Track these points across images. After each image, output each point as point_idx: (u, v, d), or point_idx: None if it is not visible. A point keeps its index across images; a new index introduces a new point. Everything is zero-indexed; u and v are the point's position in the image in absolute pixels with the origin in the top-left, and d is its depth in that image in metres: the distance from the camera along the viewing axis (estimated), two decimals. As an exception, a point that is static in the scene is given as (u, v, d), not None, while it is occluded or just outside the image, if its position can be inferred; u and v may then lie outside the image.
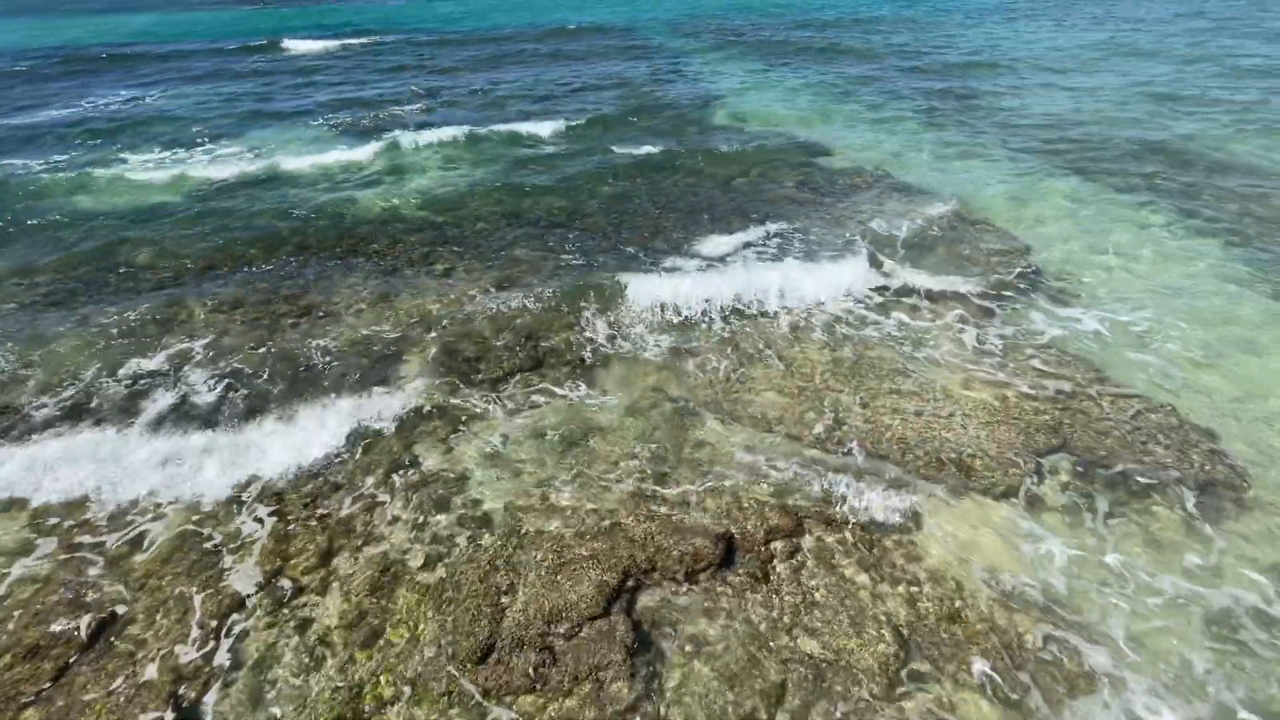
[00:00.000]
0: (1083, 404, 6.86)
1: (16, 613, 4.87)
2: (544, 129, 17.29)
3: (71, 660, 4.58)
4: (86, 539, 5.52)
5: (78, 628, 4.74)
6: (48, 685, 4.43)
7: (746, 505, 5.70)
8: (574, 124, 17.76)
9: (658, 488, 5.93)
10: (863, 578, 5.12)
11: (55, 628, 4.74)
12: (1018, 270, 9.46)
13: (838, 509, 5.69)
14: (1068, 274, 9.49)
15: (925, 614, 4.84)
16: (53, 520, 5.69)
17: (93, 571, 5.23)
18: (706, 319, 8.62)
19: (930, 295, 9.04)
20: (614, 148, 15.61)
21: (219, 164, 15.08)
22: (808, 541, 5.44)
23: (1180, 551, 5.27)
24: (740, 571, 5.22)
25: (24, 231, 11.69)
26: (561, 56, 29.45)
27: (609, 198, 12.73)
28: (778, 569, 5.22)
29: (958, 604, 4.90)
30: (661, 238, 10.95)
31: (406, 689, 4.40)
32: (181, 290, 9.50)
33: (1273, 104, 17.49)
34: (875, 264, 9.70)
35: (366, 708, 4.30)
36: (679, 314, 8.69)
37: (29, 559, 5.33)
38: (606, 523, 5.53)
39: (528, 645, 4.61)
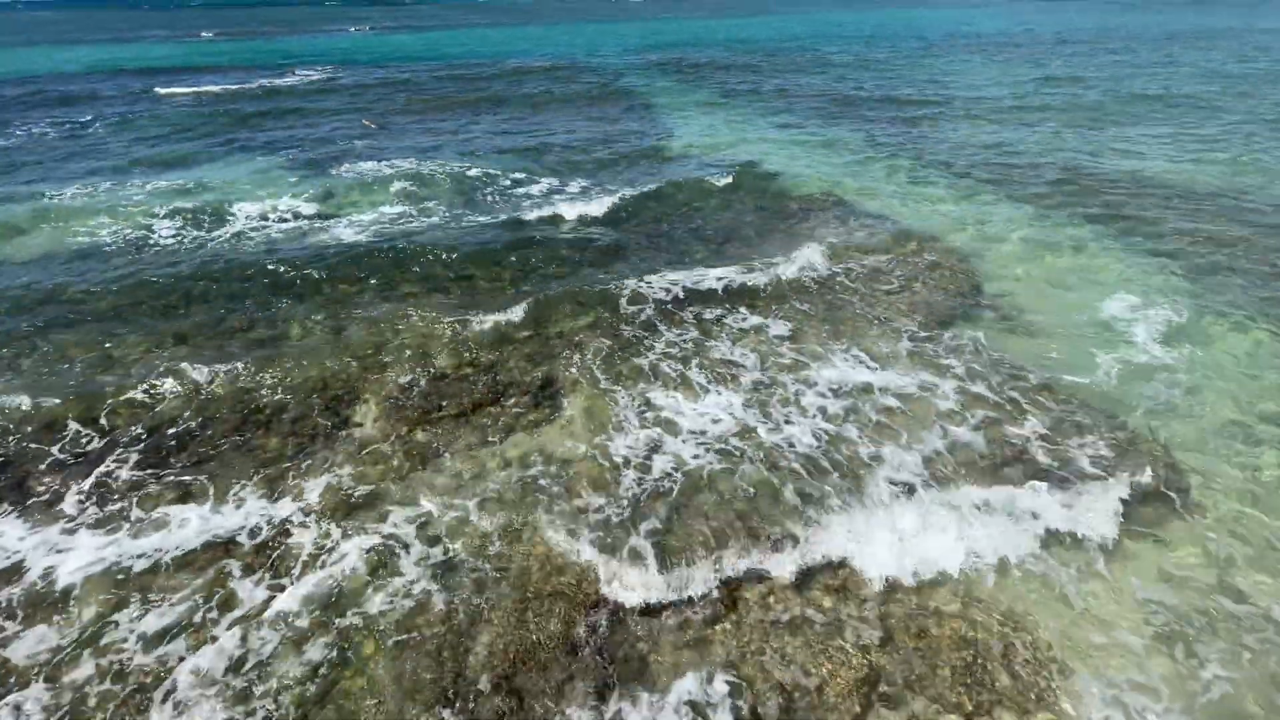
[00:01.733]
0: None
1: None
2: (501, 163, 17.36)
3: None
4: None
5: None
6: None
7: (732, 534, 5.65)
8: (530, 158, 17.92)
9: (627, 507, 5.82)
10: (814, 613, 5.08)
11: None
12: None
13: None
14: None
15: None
16: None
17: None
18: (671, 351, 8.65)
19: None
20: (569, 179, 15.76)
21: (163, 197, 14.60)
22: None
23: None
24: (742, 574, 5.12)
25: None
26: (521, 91, 29.82)
27: (569, 235, 12.79)
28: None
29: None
30: (616, 263, 11.02)
31: (363, 743, 4.14)
32: (120, 326, 9.07)
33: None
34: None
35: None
36: (631, 346, 8.70)
37: None
38: (575, 557, 5.39)
39: (494, 689, 4.41)
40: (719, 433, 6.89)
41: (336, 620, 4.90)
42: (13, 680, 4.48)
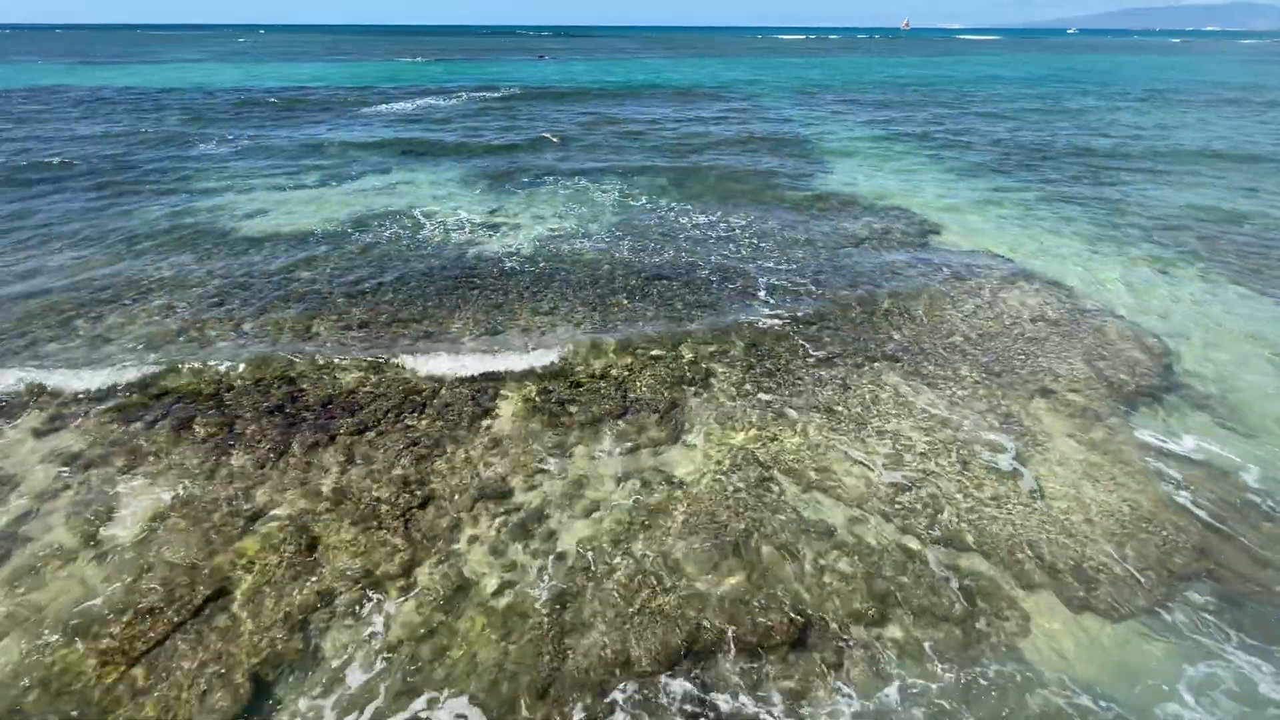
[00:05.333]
0: (1234, 526, 6.00)
1: (143, 575, 5.38)
2: (660, 182, 18.03)
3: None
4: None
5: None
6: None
7: (829, 579, 5.39)
8: (686, 182, 18.42)
9: (733, 552, 5.73)
10: (951, 676, 4.64)
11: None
12: (1157, 373, 8.61)
13: (929, 598, 5.24)
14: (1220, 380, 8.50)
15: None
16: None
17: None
18: (806, 381, 8.43)
19: (1047, 388, 8.38)
20: (732, 218, 15.96)
21: (362, 196, 16.88)
22: (892, 631, 5.03)
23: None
24: (814, 656, 4.89)
25: (208, 240, 13.52)
26: (686, 117, 30.86)
27: (719, 258, 12.96)
28: (855, 658, 4.85)
29: (1066, 735, 4.30)
30: (756, 300, 10.96)
31: (462, 705, 4.42)
32: (316, 308, 10.56)
33: None
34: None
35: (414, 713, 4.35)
36: (770, 375, 8.57)
37: (161, 528, 5.93)
38: (681, 580, 5.40)
39: (586, 690, 4.52)
40: (844, 491, 6.59)
41: (456, 592, 5.29)
42: (203, 587, 5.30)
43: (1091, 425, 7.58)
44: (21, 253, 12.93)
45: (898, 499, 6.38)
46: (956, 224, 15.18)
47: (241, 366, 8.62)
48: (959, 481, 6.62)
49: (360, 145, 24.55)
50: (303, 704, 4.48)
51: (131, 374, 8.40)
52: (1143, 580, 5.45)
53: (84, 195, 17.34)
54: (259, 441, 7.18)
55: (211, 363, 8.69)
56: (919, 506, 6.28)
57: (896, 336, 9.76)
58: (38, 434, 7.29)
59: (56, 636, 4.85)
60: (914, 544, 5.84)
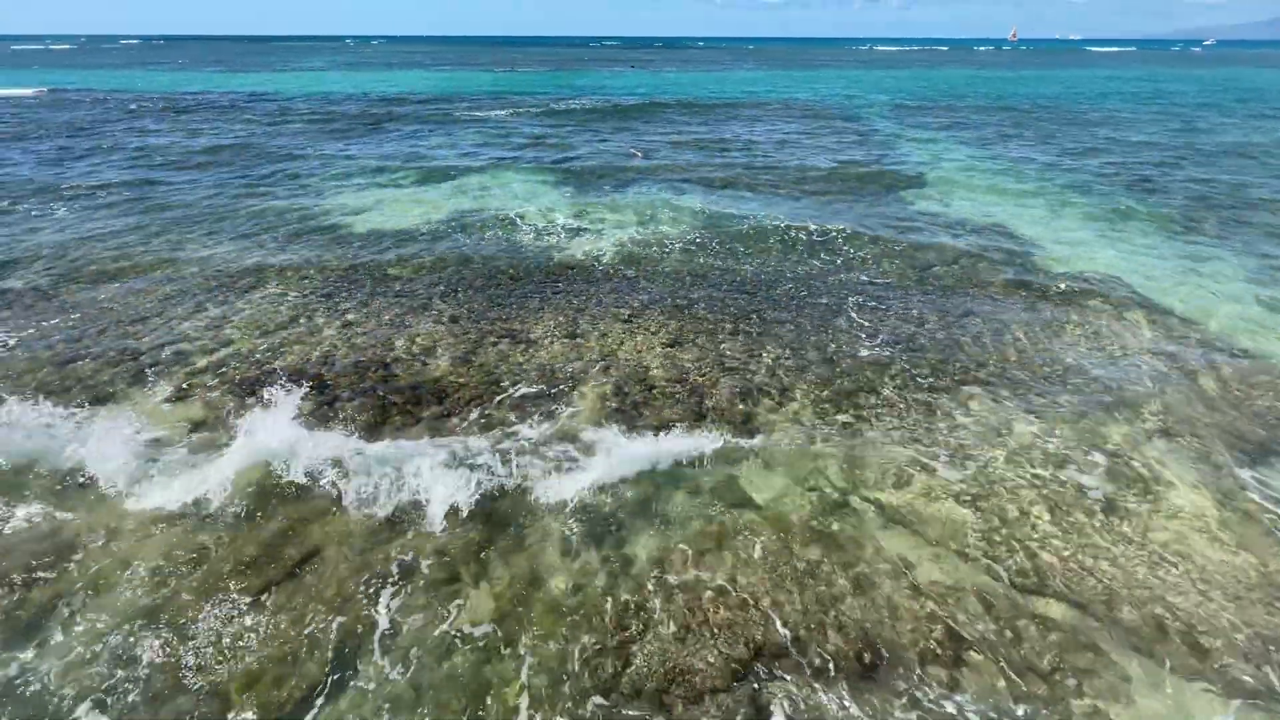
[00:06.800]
0: (1387, 607, 5.26)
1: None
2: (744, 196, 17.90)
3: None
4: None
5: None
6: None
7: (904, 615, 5.16)
8: (774, 193, 18.18)
9: (805, 577, 5.59)
10: (1037, 742, 4.31)
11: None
12: (1298, 420, 7.70)
13: (1013, 646, 4.91)
14: (1376, 437, 7.49)
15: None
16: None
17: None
18: (890, 404, 8.12)
19: (1167, 429, 7.66)
20: (811, 223, 15.66)
21: (458, 198, 17.75)
22: (969, 676, 4.74)
23: None
24: (883, 689, 4.68)
25: (321, 234, 14.64)
26: (778, 131, 30.52)
27: (804, 274, 12.73)
28: (928, 697, 4.60)
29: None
30: (841, 317, 10.66)
31: (524, 702, 4.53)
32: (412, 300, 11.19)
33: None
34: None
35: (487, 705, 4.50)
36: (850, 395, 8.30)
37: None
38: (747, 598, 5.33)
39: (645, 699, 4.53)
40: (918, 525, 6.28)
41: (527, 586, 5.45)
42: (298, 555, 5.73)
43: (1213, 475, 6.87)
44: (164, 237, 14.49)
45: (983, 536, 6.02)
46: (1063, 242, 14.19)
47: (341, 351, 9.26)
48: (1054, 524, 6.16)
49: (457, 150, 25.82)
50: (372, 675, 4.73)
51: (245, 349, 9.23)
52: (1274, 656, 4.87)
53: (218, 188, 19.19)
54: (352, 421, 7.68)
55: (316, 347, 9.39)
56: (1007, 546, 5.89)
57: (992, 362, 9.23)
58: (170, 400, 8.13)
59: (173, 586, 5.34)
60: (998, 586, 5.48)
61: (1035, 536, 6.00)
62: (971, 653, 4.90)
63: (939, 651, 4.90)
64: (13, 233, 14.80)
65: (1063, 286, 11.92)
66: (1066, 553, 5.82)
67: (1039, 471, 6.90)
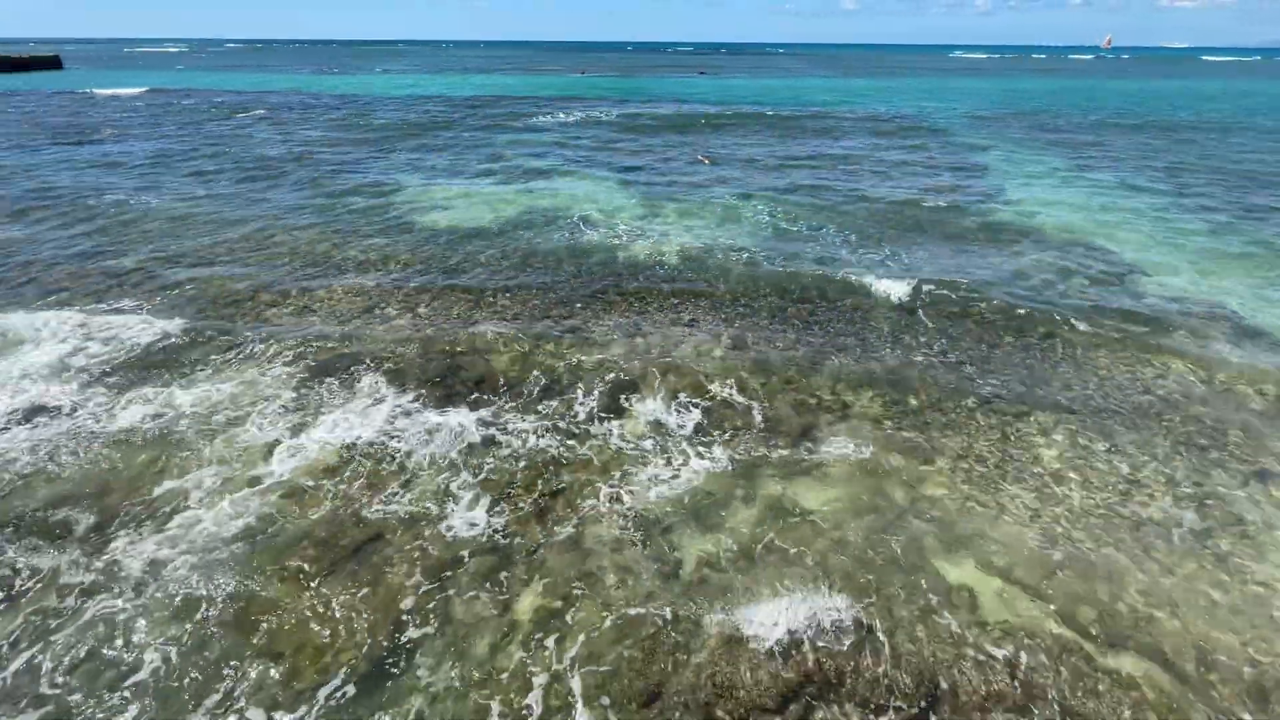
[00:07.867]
0: None
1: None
2: (811, 210, 17.51)
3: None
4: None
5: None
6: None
7: (966, 656, 4.89)
8: (844, 207, 17.72)
9: (862, 597, 5.38)
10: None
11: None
12: None
13: (1088, 700, 4.57)
14: None
15: None
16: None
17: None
18: (959, 426, 7.75)
19: (1266, 474, 6.99)
20: (892, 247, 15.14)
21: (529, 198, 18.13)
22: (1039, 727, 4.44)
23: None
24: (941, 729, 4.44)
25: (397, 229, 15.26)
26: (853, 142, 29.77)
27: (872, 287, 12.35)
28: (991, 745, 4.34)
29: None
30: (909, 333, 10.25)
31: (569, 700, 4.54)
32: (479, 296, 11.49)
33: None
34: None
35: (531, 695, 4.53)
36: (916, 414, 7.96)
37: (333, 478, 6.75)
38: (798, 619, 5.17)
39: (691, 712, 4.46)
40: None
41: (577, 582, 5.47)
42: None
43: (1328, 529, 6.21)
44: (261, 231, 15.46)
45: (1057, 574, 5.64)
46: (1149, 258, 13.19)
47: (411, 339, 9.60)
48: (1139, 568, 5.71)
49: (530, 152, 26.39)
50: (427, 663, 4.85)
51: (325, 332, 9.73)
52: (1391, 735, 4.35)
53: (305, 185, 20.32)
54: (417, 402, 7.94)
55: (389, 335, 9.79)
56: (1082, 589, 5.50)
57: (1074, 388, 8.67)
58: (260, 372, 8.67)
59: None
60: (1071, 632, 5.12)
61: (1115, 579, 5.58)
62: (1042, 702, 4.59)
63: (1005, 695, 4.62)
64: (116, 238, 16.12)
65: (1151, 305, 11.07)
66: (1152, 600, 5.38)
67: (1121, 509, 6.42)
